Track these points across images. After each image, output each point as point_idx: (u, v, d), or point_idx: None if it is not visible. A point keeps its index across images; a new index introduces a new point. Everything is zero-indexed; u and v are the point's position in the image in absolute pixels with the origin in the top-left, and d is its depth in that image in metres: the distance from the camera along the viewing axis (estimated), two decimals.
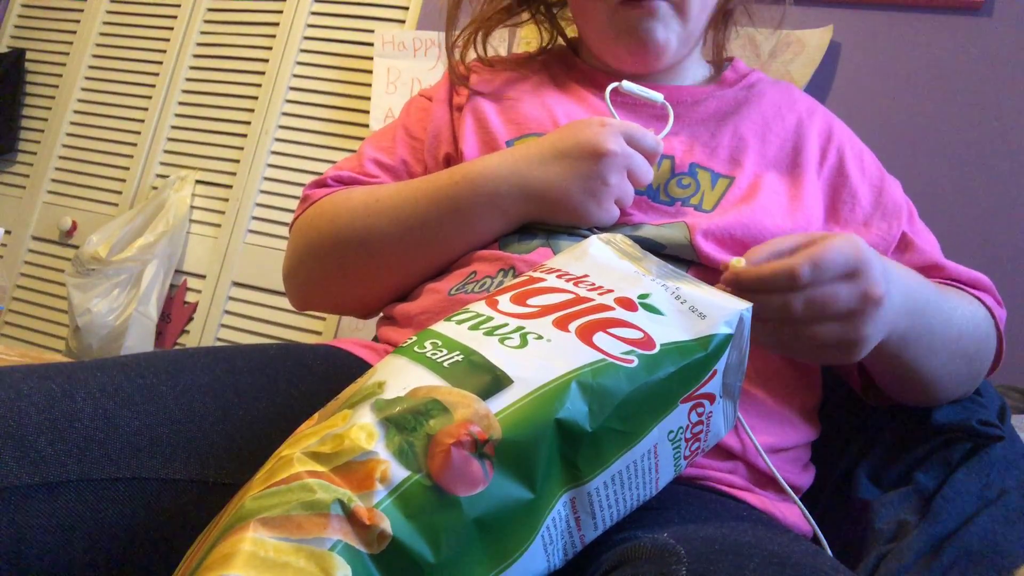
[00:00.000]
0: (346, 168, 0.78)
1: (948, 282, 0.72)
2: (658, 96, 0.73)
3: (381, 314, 0.76)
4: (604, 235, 0.52)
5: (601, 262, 0.48)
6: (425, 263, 0.70)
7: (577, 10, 0.77)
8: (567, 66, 0.82)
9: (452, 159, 0.76)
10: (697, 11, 0.73)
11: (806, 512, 0.59)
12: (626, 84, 0.72)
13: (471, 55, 0.83)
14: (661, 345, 0.41)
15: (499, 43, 0.85)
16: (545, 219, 0.67)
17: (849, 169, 0.73)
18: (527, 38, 1.61)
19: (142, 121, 2.20)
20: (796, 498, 0.59)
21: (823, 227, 0.71)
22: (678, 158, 0.71)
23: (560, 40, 0.87)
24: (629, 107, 0.74)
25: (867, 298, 0.53)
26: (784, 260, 0.52)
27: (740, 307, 0.44)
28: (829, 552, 0.57)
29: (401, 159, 0.79)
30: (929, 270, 0.72)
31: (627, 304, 0.44)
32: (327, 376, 0.58)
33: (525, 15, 0.85)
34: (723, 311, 0.44)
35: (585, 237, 0.66)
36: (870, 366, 0.68)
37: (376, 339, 0.73)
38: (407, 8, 1.95)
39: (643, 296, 0.44)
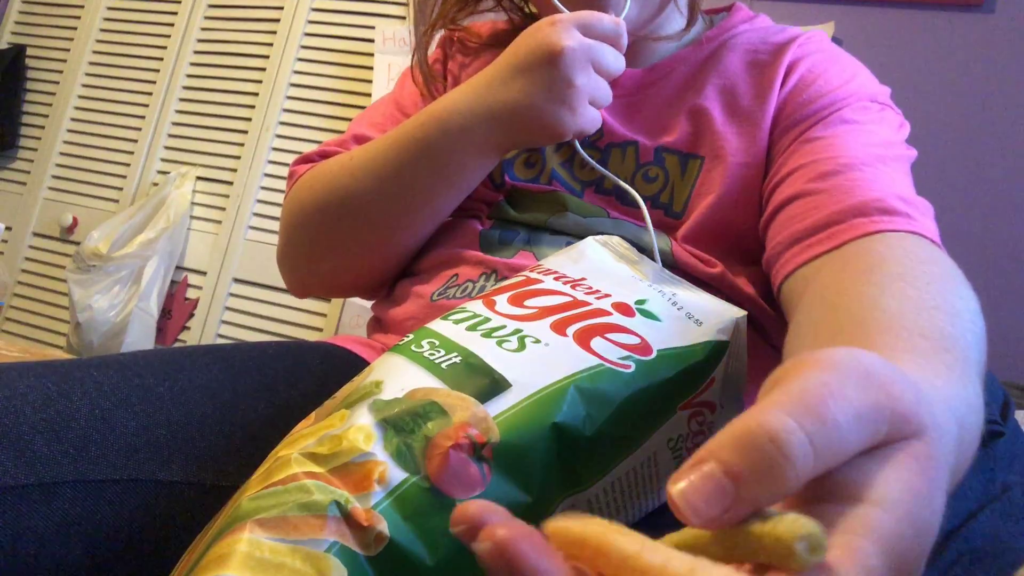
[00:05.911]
0: (332, 143, 0.76)
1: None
2: None
3: (372, 314, 0.74)
4: (601, 237, 0.51)
5: (598, 265, 0.48)
6: (409, 220, 0.67)
7: None
8: None
9: None
10: None
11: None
12: None
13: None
14: (658, 351, 0.41)
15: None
16: (523, 143, 0.63)
17: (801, 88, 0.65)
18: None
19: (143, 117, 2.19)
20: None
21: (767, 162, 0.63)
22: (643, 144, 0.67)
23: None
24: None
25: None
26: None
27: (736, 314, 0.44)
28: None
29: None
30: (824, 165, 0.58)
31: (624, 309, 0.43)
32: (326, 376, 0.58)
33: (489, 2, 0.79)
34: (718, 318, 0.44)
35: (566, 236, 0.64)
36: None
37: None
38: (407, 4, 1.94)
39: (640, 301, 0.44)
